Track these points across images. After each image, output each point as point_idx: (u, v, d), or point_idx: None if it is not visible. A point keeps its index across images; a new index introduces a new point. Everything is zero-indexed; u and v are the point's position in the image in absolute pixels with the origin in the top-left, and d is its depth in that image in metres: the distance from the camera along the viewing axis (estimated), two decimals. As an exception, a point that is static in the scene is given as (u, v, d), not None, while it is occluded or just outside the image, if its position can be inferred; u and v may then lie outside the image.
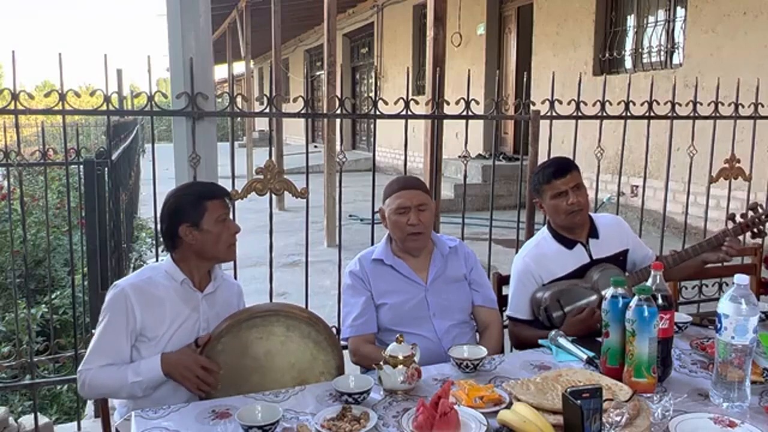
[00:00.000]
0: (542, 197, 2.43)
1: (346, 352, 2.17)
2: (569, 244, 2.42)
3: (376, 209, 2.55)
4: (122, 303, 1.90)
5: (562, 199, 2.35)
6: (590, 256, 2.41)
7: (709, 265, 2.50)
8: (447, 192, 8.69)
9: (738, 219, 2.37)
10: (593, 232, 2.45)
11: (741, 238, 2.41)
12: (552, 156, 2.58)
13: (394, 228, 2.29)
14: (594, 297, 2.27)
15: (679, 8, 7.09)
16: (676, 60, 7.13)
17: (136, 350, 1.93)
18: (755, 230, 2.37)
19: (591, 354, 1.94)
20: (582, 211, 2.38)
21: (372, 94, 3.22)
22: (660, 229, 3.95)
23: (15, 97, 2.51)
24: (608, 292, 1.80)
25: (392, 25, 13.33)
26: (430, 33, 3.99)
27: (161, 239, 2.08)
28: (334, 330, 2.71)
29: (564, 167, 2.38)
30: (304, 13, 12.94)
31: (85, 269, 3.35)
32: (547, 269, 2.38)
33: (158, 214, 2.12)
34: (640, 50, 7.59)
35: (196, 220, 1.96)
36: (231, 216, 2.10)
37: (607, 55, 7.97)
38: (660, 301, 1.75)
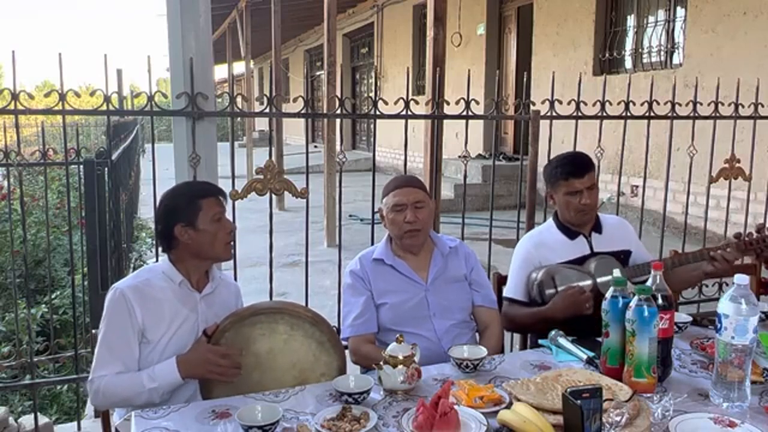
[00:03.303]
0: (555, 191, 2.48)
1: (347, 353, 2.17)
2: (572, 234, 2.48)
3: (376, 209, 2.55)
4: (123, 305, 1.89)
5: (576, 197, 2.41)
6: (591, 248, 2.46)
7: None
8: (447, 192, 8.69)
9: (744, 239, 2.36)
10: (597, 227, 2.51)
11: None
12: (552, 155, 2.59)
13: (392, 225, 2.31)
14: (589, 282, 2.31)
15: (679, 8, 7.09)
16: (676, 60, 7.12)
17: None
18: (758, 251, 2.34)
19: (591, 354, 1.94)
20: (592, 210, 2.46)
21: (372, 94, 3.22)
22: (660, 229, 3.95)
23: (15, 97, 2.51)
24: (608, 292, 1.81)
25: (392, 25, 13.32)
26: (430, 33, 3.99)
27: (159, 241, 2.08)
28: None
29: (583, 167, 2.44)
30: (304, 13, 12.94)
31: (85, 269, 3.35)
32: (545, 257, 2.43)
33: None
34: (640, 50, 7.59)
35: (191, 219, 1.95)
36: (227, 215, 2.09)
37: (607, 55, 7.97)
38: (660, 301, 1.75)
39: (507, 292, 2.51)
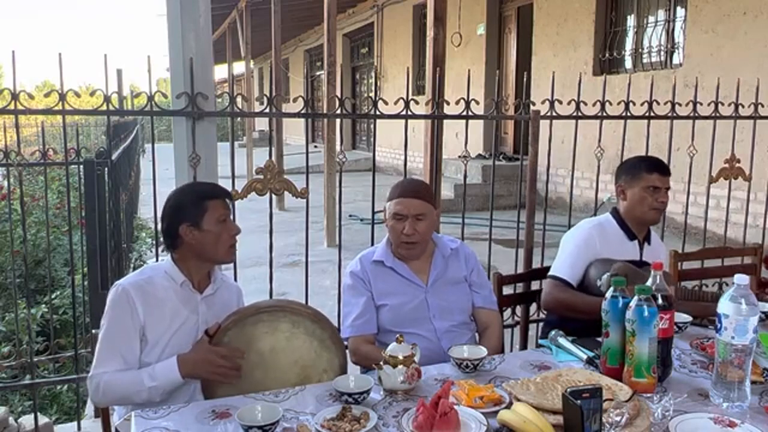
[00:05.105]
0: (633, 184, 2.48)
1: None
2: (631, 235, 2.50)
3: (376, 209, 2.55)
4: (125, 302, 1.89)
5: (655, 194, 2.44)
6: (641, 256, 2.48)
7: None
8: (447, 192, 8.69)
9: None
10: (648, 238, 2.54)
11: None
12: (552, 155, 2.60)
13: (391, 232, 2.31)
14: None
15: (679, 8, 7.09)
16: (676, 60, 7.13)
17: None
18: None
19: (591, 354, 1.94)
20: (661, 213, 2.49)
21: (372, 94, 3.22)
22: (660, 229, 3.95)
23: (15, 97, 2.51)
24: (608, 292, 1.81)
25: (392, 25, 13.32)
26: (430, 33, 3.99)
27: (162, 239, 2.08)
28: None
29: (667, 168, 2.49)
30: (304, 13, 12.94)
31: (85, 269, 3.35)
32: (604, 247, 2.42)
33: (159, 214, 2.12)
34: (640, 50, 7.59)
35: (197, 219, 1.96)
36: (232, 217, 2.10)
37: (607, 55, 7.97)
38: (660, 301, 1.75)
39: (558, 272, 2.45)
